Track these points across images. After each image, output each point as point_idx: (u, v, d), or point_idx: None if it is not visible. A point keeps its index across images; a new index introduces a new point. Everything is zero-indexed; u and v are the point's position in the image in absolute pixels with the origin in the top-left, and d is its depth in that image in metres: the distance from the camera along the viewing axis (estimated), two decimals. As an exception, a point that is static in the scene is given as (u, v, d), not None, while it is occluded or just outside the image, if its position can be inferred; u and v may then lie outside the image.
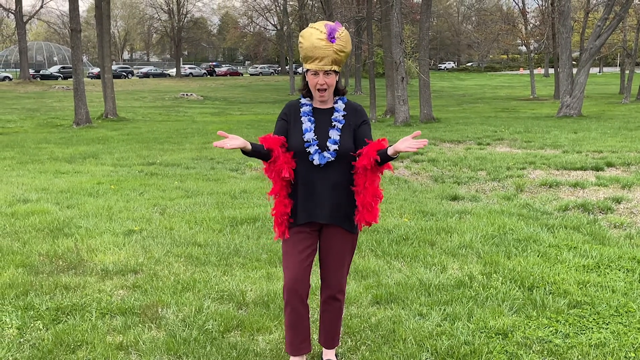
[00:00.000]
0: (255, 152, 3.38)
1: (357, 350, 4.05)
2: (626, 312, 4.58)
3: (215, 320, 4.49)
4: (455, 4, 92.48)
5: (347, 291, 4.98)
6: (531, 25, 49.22)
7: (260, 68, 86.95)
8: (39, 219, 7.55)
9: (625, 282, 5.20)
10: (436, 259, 5.87)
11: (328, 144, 3.47)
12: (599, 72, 75.27)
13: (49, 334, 4.29)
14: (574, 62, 26.93)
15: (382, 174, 3.56)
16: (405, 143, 3.19)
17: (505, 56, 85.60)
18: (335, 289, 3.70)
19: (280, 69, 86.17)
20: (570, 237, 6.61)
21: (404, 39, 25.53)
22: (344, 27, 3.47)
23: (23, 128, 23.16)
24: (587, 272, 5.48)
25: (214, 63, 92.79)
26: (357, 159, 3.47)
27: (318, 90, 3.48)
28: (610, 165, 11.34)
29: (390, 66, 25.51)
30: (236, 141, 3.22)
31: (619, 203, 8.27)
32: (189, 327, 4.40)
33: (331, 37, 3.37)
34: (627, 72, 37.28)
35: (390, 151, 3.28)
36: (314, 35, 3.39)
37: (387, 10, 25.24)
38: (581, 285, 5.13)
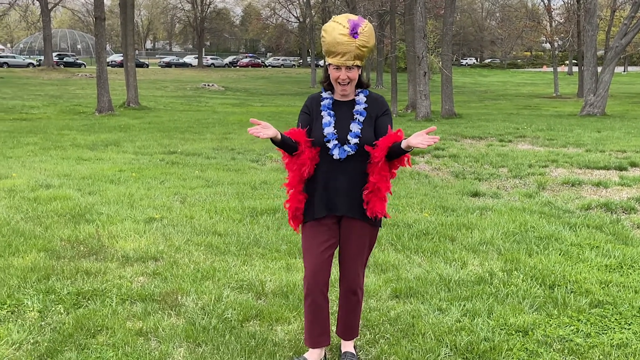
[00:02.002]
0: (284, 142, 3.37)
1: (376, 344, 4.04)
2: (649, 313, 4.52)
3: (235, 309, 4.50)
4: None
5: (367, 284, 4.97)
6: (556, 22, 48.72)
7: (282, 60, 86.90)
8: (61, 204, 7.61)
9: (648, 283, 5.13)
10: (456, 255, 5.84)
11: (349, 137, 3.45)
12: (624, 71, 74.37)
13: (70, 318, 4.33)
14: (598, 61, 26.62)
15: (396, 168, 3.52)
16: (419, 138, 3.18)
17: (528, 53, 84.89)
18: (353, 282, 3.69)
19: (301, 61, 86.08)
20: (592, 236, 6.54)
21: (427, 34, 25.38)
22: (366, 21, 3.44)
23: (46, 114, 23.37)
24: (609, 271, 5.42)
25: (250, 54, 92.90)
26: (372, 150, 3.44)
27: (340, 84, 3.46)
28: (634, 165, 11.20)
29: (412, 61, 25.41)
30: (269, 131, 3.22)
31: (643, 203, 8.16)
32: (208, 315, 4.41)
33: (354, 33, 3.33)
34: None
35: (403, 144, 3.27)
36: (336, 30, 3.36)
37: (410, 4, 25.10)
38: (603, 285, 5.07)
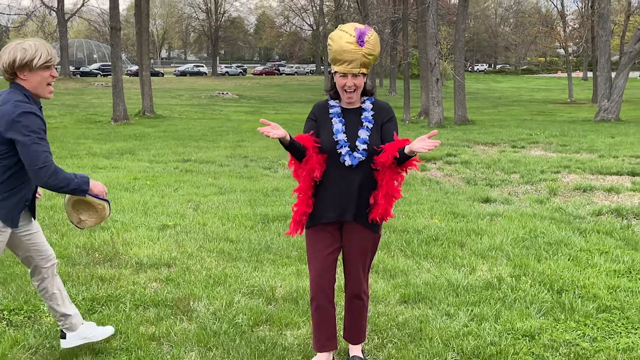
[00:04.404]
0: (292, 145, 3.44)
1: (384, 348, 4.11)
2: (656, 318, 4.55)
3: (245, 314, 4.58)
4: (492, 5, 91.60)
5: (376, 289, 5.04)
6: (570, 27, 48.59)
7: (296, 67, 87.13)
8: (77, 212, 7.73)
9: (656, 288, 5.16)
10: (465, 260, 5.89)
11: (357, 143, 3.52)
12: (639, 76, 73.84)
13: (85, 323, 4.42)
14: (613, 66, 26.53)
15: (406, 172, 3.58)
16: (421, 142, 3.25)
17: (543, 59, 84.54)
18: (357, 287, 3.75)
19: (315, 68, 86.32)
20: (602, 241, 6.56)
21: (440, 41, 25.43)
22: (372, 30, 3.52)
23: (63, 124, 23.65)
24: (617, 277, 5.45)
25: (277, 62, 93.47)
26: (378, 157, 3.50)
27: (346, 91, 3.54)
28: (647, 170, 11.18)
29: (425, 67, 25.45)
30: (278, 131, 3.28)
31: (654, 209, 8.16)
32: (219, 320, 4.49)
33: (360, 41, 3.42)
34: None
35: (406, 150, 3.34)
36: (343, 39, 3.44)
37: (423, 11, 25.17)
38: (611, 290, 5.10)
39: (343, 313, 3.96)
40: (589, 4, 42.04)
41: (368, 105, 3.62)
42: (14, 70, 3.35)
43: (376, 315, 4.58)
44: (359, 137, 3.53)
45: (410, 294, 4.98)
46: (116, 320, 4.48)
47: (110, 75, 63.82)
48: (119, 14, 25.20)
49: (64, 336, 3.92)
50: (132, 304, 4.80)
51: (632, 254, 6.08)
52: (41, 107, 3.49)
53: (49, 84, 3.44)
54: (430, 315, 4.59)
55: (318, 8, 60.68)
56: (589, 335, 4.28)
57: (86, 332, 3.94)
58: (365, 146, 3.51)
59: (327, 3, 62.34)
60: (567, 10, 50.44)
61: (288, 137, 3.36)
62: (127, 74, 61.20)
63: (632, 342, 4.15)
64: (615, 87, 24.30)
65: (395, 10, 33.44)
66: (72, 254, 6.03)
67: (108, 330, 4.04)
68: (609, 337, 4.25)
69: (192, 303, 4.82)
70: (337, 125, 3.56)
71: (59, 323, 3.92)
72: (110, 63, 71.84)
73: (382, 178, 3.53)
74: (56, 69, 3.52)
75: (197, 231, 6.97)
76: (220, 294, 5.02)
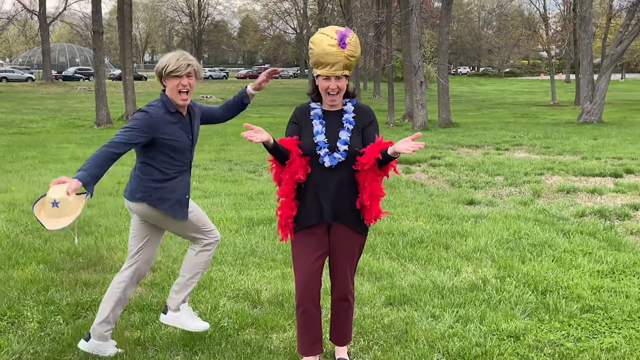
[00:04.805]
0: (276, 149, 3.45)
1: (370, 350, 4.11)
2: (639, 318, 4.58)
3: (231, 318, 4.57)
4: (475, 8, 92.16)
5: (361, 292, 5.04)
6: (552, 30, 48.98)
7: (280, 71, 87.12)
8: (60, 217, 7.66)
9: (639, 288, 5.20)
10: (450, 262, 5.91)
11: (338, 144, 3.54)
12: (622, 78, 74.65)
13: (69, 328, 4.40)
14: (595, 68, 26.78)
15: (387, 176, 3.61)
16: (405, 144, 3.28)
17: (526, 62, 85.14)
18: (345, 289, 3.76)
19: (299, 72, 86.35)
20: (585, 242, 6.62)
21: (423, 44, 25.54)
22: (353, 32, 3.54)
23: (45, 128, 23.48)
24: (601, 277, 5.49)
25: (265, 65, 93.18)
26: (360, 157, 3.52)
27: (329, 94, 3.55)
28: (629, 172, 11.29)
29: (409, 70, 25.53)
30: (262, 135, 3.31)
31: (637, 210, 8.24)
32: (204, 324, 4.47)
33: (342, 43, 3.44)
34: (649, 78, 37.01)
35: (390, 151, 3.36)
36: (325, 42, 3.46)
37: (406, 14, 25.26)
38: (595, 290, 5.14)
39: (329, 315, 3.96)
40: (571, 7, 42.41)
41: (349, 107, 3.64)
42: (160, 77, 3.85)
43: (362, 318, 4.58)
44: (339, 138, 3.55)
45: (396, 296, 4.99)
46: (100, 325, 4.44)
47: (88, 79, 63.81)
48: (101, 17, 25.08)
49: (165, 311, 4.17)
50: (116, 308, 4.76)
51: (615, 254, 6.13)
52: (181, 113, 3.88)
53: (180, 92, 3.79)
54: (416, 317, 4.60)
55: (302, 11, 60.77)
56: (573, 335, 4.31)
57: (183, 319, 4.14)
58: (345, 147, 3.53)
59: (310, 6, 62.48)
60: (549, 13, 50.86)
61: (272, 141, 3.37)
62: (110, 78, 60.92)
63: (616, 342, 4.18)
64: (597, 89, 24.51)
65: (379, 13, 33.55)
66: (56, 259, 5.99)
67: (203, 325, 4.17)
68: (593, 337, 4.29)
69: (177, 307, 4.79)
70: (317, 127, 3.58)
71: (169, 298, 4.16)
72: (88, 67, 71.73)
73: (363, 179, 3.55)
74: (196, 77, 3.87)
75: (181, 235, 6.93)
76: (205, 297, 5.00)
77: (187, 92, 3.81)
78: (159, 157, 3.78)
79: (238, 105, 4.32)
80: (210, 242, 4.07)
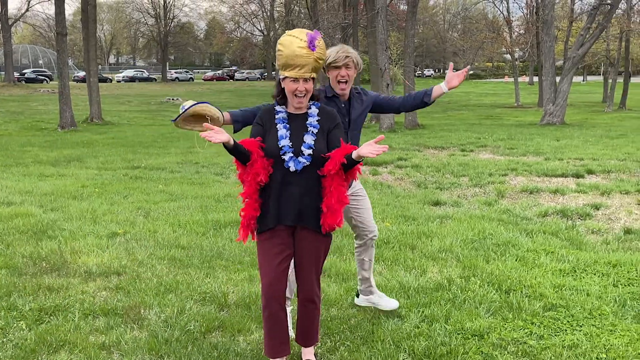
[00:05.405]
0: (236, 149, 3.45)
1: (336, 351, 4.13)
2: (599, 315, 4.69)
3: (197, 321, 4.55)
4: (441, 12, 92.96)
5: (328, 293, 5.06)
6: (516, 33, 49.62)
7: (247, 73, 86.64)
8: (23, 221, 7.57)
9: (599, 286, 5.32)
10: (416, 263, 5.96)
11: (303, 148, 3.55)
12: (583, 80, 75.87)
13: (32, 334, 4.34)
14: (558, 71, 27.23)
15: (355, 178, 3.64)
16: (369, 148, 3.30)
17: (490, 64, 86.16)
18: (310, 291, 3.78)
19: (266, 74, 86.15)
20: (548, 242, 6.73)
21: (390, 46, 25.70)
22: (320, 35, 3.57)
23: (7, 131, 23.05)
24: (563, 276, 5.60)
25: (234, 67, 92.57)
26: (325, 162, 3.54)
27: (297, 96, 3.56)
28: (590, 172, 11.51)
29: (375, 73, 25.66)
30: (222, 136, 3.30)
31: (598, 209, 8.41)
32: (170, 327, 4.46)
33: (312, 46, 3.46)
34: (609, 80, 37.77)
35: (354, 155, 3.39)
36: (294, 44, 3.47)
37: (373, 17, 25.40)
38: (557, 289, 5.24)
39: (295, 317, 3.97)
40: (534, 11, 43.10)
41: (314, 110, 3.66)
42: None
43: (329, 319, 4.60)
44: (304, 142, 3.56)
45: (362, 297, 5.02)
46: (65, 330, 4.40)
47: (45, 81, 62.85)
48: (64, 19, 24.70)
49: (357, 295, 4.82)
50: (81, 313, 4.72)
51: (576, 253, 6.25)
52: (338, 97, 4.23)
53: (339, 82, 4.16)
54: (382, 318, 4.64)
55: (268, 14, 60.75)
56: (536, 333, 4.39)
57: (375, 299, 4.72)
58: (310, 151, 3.54)
59: (277, 9, 62.47)
60: (512, 17, 51.52)
61: (232, 142, 3.37)
62: (74, 80, 60.11)
63: (577, 339, 4.27)
64: (559, 91, 24.93)
65: (346, 16, 33.71)
66: (19, 264, 5.89)
67: (393, 303, 4.71)
68: (555, 335, 4.37)
69: (142, 311, 4.77)
70: (282, 131, 3.59)
71: (359, 284, 4.79)
72: (44, 69, 70.63)
73: (329, 184, 3.56)
74: (337, 68, 4.16)
75: (147, 238, 6.89)
76: (171, 301, 4.97)
77: (345, 82, 4.15)
78: None
79: (418, 102, 4.53)
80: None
